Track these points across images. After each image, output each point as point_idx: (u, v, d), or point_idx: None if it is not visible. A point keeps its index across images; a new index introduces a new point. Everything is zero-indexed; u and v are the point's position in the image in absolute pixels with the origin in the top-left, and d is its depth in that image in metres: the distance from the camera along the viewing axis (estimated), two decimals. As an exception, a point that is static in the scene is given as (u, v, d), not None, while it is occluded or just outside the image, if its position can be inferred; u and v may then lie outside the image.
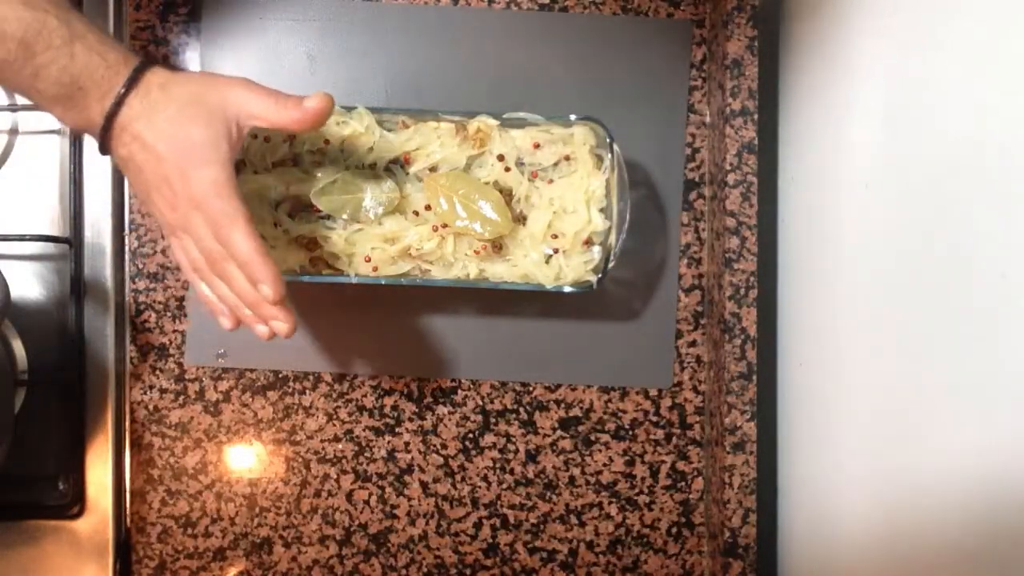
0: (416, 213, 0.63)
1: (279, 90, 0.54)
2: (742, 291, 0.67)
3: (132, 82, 0.51)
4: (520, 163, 0.64)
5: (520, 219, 0.64)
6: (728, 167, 0.67)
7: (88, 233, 0.69)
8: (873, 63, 0.57)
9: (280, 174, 0.63)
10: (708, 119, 0.71)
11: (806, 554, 0.66)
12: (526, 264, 0.63)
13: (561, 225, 0.63)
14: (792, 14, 0.70)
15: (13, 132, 0.69)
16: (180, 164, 0.51)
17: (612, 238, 0.62)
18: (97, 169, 0.69)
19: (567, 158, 0.64)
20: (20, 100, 0.69)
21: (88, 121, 0.52)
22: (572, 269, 0.63)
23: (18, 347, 0.68)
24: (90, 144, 0.68)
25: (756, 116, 0.67)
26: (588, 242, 0.64)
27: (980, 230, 0.45)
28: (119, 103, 0.51)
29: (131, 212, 0.71)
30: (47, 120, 0.69)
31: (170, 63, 0.71)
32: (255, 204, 0.63)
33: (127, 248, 0.70)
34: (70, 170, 0.68)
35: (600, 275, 0.63)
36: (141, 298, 0.70)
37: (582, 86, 0.71)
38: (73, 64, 0.49)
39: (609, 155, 0.62)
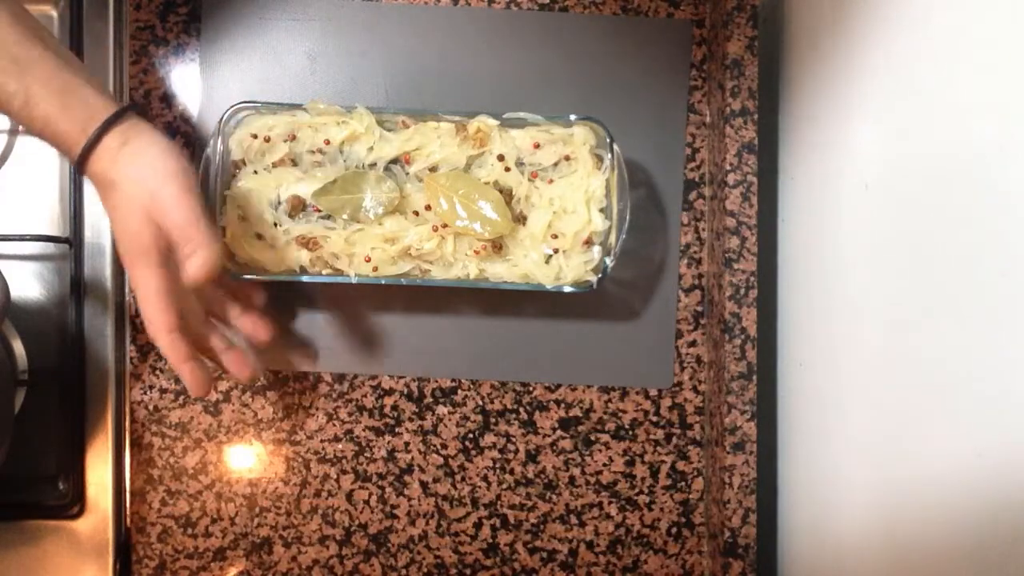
0: (416, 213, 0.63)
1: (203, 218, 0.56)
2: (742, 291, 0.67)
3: (80, 167, 0.55)
4: (520, 163, 0.64)
5: (520, 219, 0.64)
6: (728, 167, 0.67)
7: (88, 233, 0.69)
8: (874, 62, 0.57)
9: (280, 174, 0.63)
10: (708, 119, 0.71)
11: (806, 554, 0.66)
12: (526, 264, 0.63)
13: (561, 225, 0.63)
14: (792, 14, 0.70)
15: (13, 132, 0.69)
16: (124, 257, 0.56)
17: (612, 238, 0.62)
18: (97, 169, 0.69)
19: (567, 158, 0.64)
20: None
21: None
22: (572, 269, 0.63)
23: (18, 347, 0.68)
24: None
25: (756, 116, 0.67)
26: (588, 242, 0.64)
27: (980, 229, 0.45)
28: (80, 171, 0.56)
29: (131, 212, 0.70)
30: (47, 120, 0.69)
31: (170, 63, 0.71)
32: (255, 204, 0.63)
33: (127, 248, 0.70)
34: (70, 170, 0.68)
35: (600, 275, 0.63)
36: (141, 298, 0.70)
37: (582, 86, 0.71)
38: (34, 127, 0.55)
39: (609, 155, 0.62)
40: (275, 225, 0.63)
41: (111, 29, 0.69)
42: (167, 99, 0.70)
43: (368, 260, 0.63)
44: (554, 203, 0.63)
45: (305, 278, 0.63)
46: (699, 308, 0.71)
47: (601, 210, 0.63)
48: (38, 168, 0.69)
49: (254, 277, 0.63)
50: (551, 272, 0.63)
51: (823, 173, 0.64)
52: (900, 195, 0.53)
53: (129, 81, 0.70)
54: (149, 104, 0.70)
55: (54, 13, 0.70)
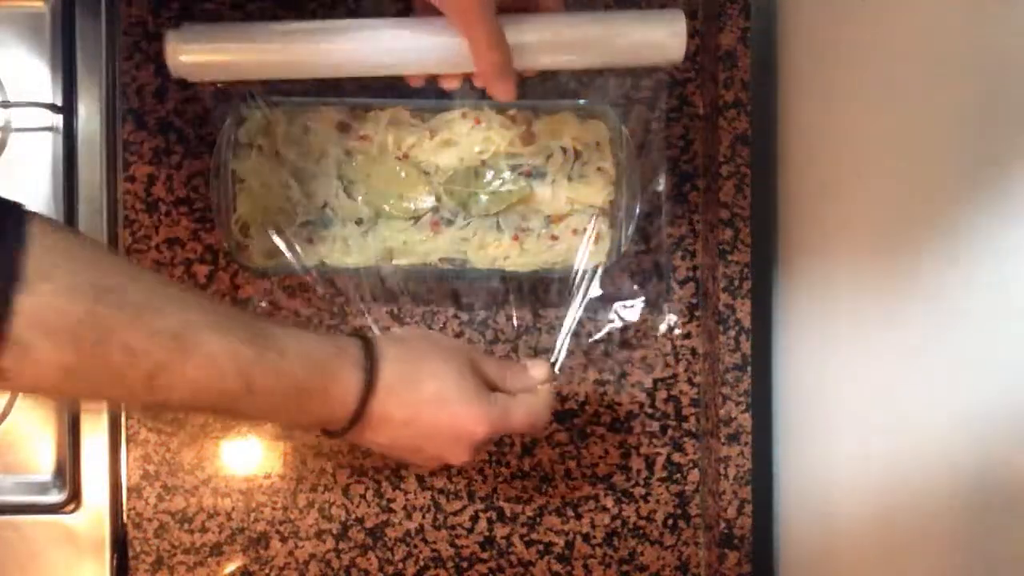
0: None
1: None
2: (736, 283, 0.67)
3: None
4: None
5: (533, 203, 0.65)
6: (721, 159, 0.67)
7: (83, 226, 0.69)
8: (867, 51, 0.57)
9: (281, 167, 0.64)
10: (701, 111, 0.71)
11: (802, 543, 0.66)
12: (540, 249, 0.64)
13: (574, 210, 0.64)
14: (785, 4, 0.70)
15: (5, 129, 0.69)
16: None
17: (624, 224, 0.63)
18: (90, 166, 0.69)
19: (577, 148, 0.64)
20: (12, 96, 0.69)
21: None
22: (585, 253, 0.64)
23: (13, 344, 0.68)
24: (83, 141, 0.68)
25: (749, 108, 0.67)
26: (602, 223, 0.64)
27: (976, 213, 0.45)
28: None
29: (125, 208, 0.70)
30: (40, 117, 0.69)
31: (163, 59, 0.70)
32: (270, 193, 0.63)
33: (121, 245, 0.70)
34: (63, 168, 0.68)
35: (614, 258, 0.63)
36: (136, 294, 0.70)
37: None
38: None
39: (620, 141, 0.63)
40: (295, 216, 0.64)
41: (103, 26, 0.69)
42: (160, 95, 0.70)
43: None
44: (566, 190, 0.64)
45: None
46: (693, 300, 0.71)
47: (611, 200, 0.64)
48: (31, 166, 0.69)
49: (280, 269, 0.65)
50: (564, 256, 0.64)
51: (817, 163, 0.64)
52: (895, 182, 0.53)
53: (121, 77, 0.70)
54: (143, 101, 0.70)
55: (45, 9, 0.69)
